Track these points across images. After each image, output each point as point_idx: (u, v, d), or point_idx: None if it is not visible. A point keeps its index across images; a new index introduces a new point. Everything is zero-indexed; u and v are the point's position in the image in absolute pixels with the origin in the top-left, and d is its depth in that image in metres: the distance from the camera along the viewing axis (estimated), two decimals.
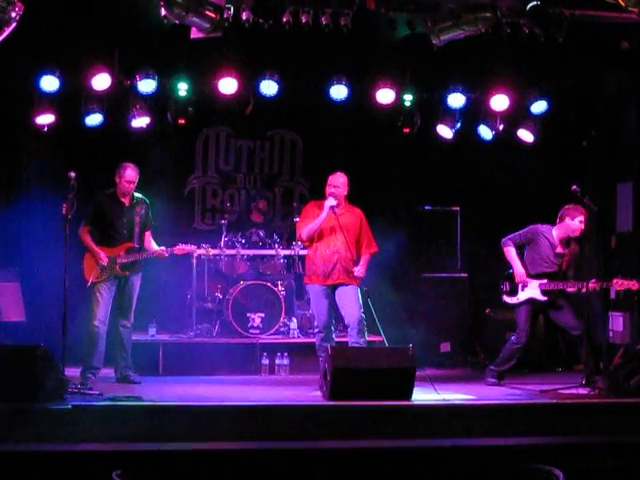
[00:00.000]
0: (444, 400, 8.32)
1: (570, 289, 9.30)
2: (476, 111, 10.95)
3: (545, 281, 9.34)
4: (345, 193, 9.30)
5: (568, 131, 11.41)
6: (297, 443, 7.33)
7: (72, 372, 8.69)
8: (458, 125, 10.95)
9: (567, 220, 9.37)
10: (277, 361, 10.32)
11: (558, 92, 10.82)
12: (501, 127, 10.93)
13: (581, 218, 9.33)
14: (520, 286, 9.41)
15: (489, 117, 10.91)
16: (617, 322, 11.08)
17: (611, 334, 11.15)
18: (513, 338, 9.48)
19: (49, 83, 9.83)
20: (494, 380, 9.47)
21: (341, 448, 7.24)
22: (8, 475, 6.45)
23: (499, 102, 10.70)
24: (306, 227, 9.27)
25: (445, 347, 11.16)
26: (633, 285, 9.16)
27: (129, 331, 9.43)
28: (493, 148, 11.17)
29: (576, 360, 10.13)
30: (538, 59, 9.89)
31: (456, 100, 10.74)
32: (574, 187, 9.20)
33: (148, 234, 9.57)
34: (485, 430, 7.76)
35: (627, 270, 11.01)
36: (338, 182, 9.24)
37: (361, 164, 11.39)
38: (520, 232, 9.53)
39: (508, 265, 9.49)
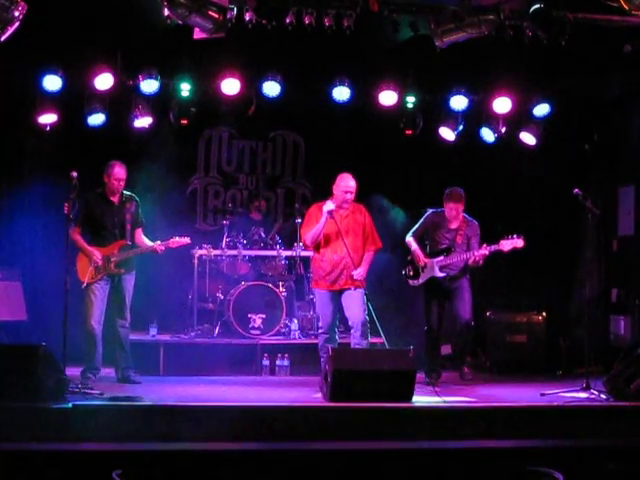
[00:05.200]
0: (445, 402, 8.33)
1: (467, 258, 9.56)
2: (478, 113, 10.94)
3: (441, 258, 9.66)
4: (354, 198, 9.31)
5: (570, 134, 11.40)
6: (297, 444, 7.34)
7: (73, 371, 8.68)
8: (460, 127, 10.94)
9: (445, 206, 9.82)
10: (278, 362, 10.32)
11: (561, 95, 10.81)
12: (503, 130, 10.92)
13: (450, 205, 9.74)
14: (421, 268, 9.74)
15: (491, 119, 10.90)
16: (618, 325, 11.09)
17: (612, 337, 11.16)
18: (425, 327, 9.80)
19: (52, 82, 9.83)
20: (427, 379, 9.50)
21: (341, 449, 7.25)
22: (8, 474, 6.45)
23: (501, 105, 10.69)
24: (309, 233, 9.25)
25: (446, 349, 11.13)
26: (518, 243, 9.39)
27: (127, 330, 9.42)
28: (495, 151, 11.16)
29: (577, 363, 10.13)
30: (541, 62, 9.88)
31: (459, 102, 10.73)
32: (576, 190, 9.22)
33: (139, 231, 9.54)
34: (485, 432, 7.76)
35: (629, 273, 11.05)
36: (353, 188, 9.18)
37: (363, 166, 11.33)
38: (418, 223, 9.99)
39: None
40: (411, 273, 9.85)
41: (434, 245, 9.85)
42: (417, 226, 9.96)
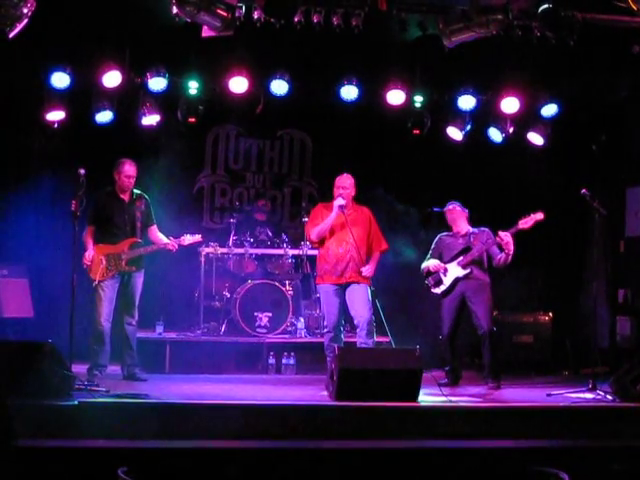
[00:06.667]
0: (450, 402, 8.32)
1: (488, 244, 9.48)
2: (486, 113, 10.92)
3: (461, 257, 9.53)
4: (353, 194, 9.34)
5: (578, 135, 11.38)
6: (303, 443, 7.34)
7: (79, 369, 8.69)
8: (468, 127, 10.93)
9: (447, 216, 9.79)
10: (284, 361, 10.34)
11: (569, 95, 10.79)
12: (511, 130, 10.91)
13: (449, 209, 9.76)
14: (442, 273, 9.58)
15: (499, 119, 10.88)
16: (625, 326, 11.07)
17: (619, 338, 11.14)
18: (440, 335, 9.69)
19: (60, 79, 9.83)
20: (445, 381, 9.45)
21: (347, 448, 7.24)
22: (14, 471, 6.45)
23: (509, 104, 10.66)
24: (315, 228, 9.32)
25: None
26: (538, 216, 9.29)
27: (134, 328, 9.45)
28: (503, 151, 11.14)
29: (583, 363, 10.12)
30: (549, 62, 9.86)
31: (466, 102, 10.71)
32: (583, 191, 9.23)
33: (154, 228, 9.58)
34: (491, 432, 7.75)
35: (636, 274, 11.03)
36: (346, 183, 9.28)
37: (370, 165, 11.39)
38: (430, 251, 9.84)
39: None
40: (432, 282, 9.63)
41: (450, 253, 9.63)
42: (430, 253, 9.78)
